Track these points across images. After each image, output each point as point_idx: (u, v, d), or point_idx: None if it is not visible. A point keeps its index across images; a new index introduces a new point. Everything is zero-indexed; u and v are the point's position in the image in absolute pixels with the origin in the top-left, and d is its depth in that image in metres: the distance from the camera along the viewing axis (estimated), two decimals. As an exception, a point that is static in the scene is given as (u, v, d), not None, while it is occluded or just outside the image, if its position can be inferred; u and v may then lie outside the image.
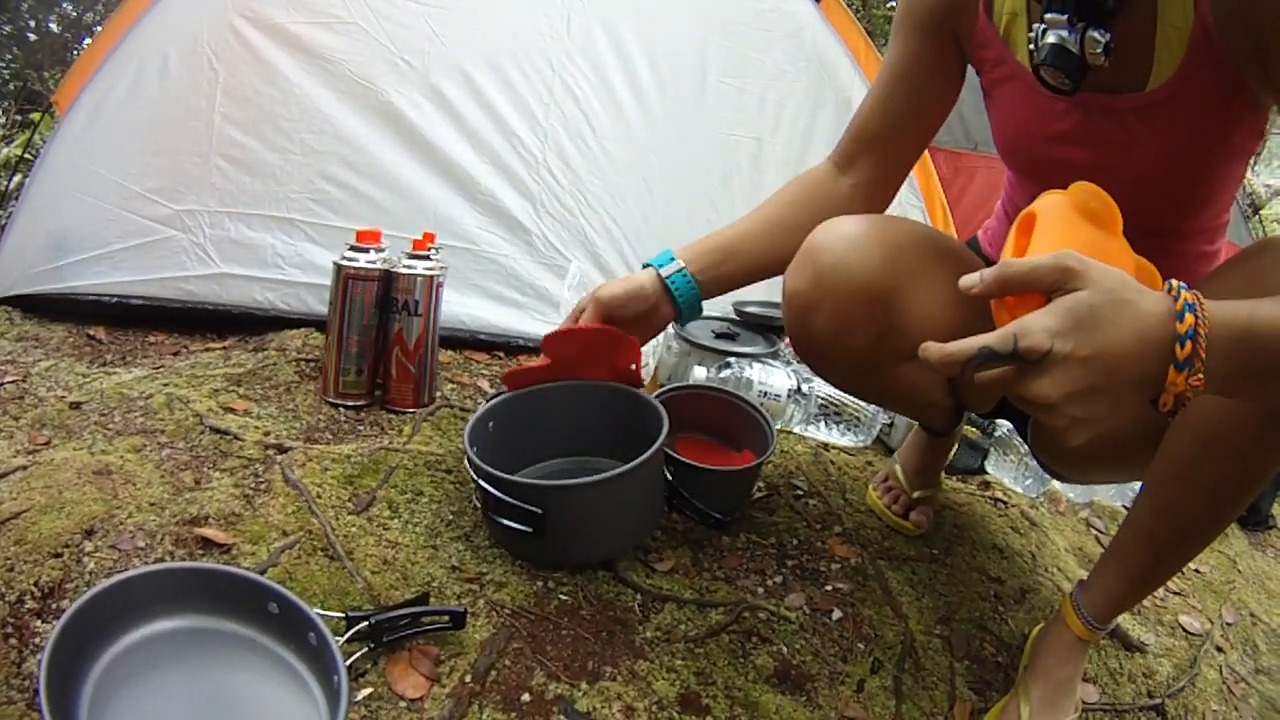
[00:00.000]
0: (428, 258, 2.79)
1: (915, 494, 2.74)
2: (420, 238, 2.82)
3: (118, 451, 2.31)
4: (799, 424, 3.22)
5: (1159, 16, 1.69)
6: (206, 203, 3.35)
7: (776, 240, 2.17)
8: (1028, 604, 2.60)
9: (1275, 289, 1.33)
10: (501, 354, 3.52)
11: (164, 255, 3.35)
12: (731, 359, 3.24)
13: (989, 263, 2.25)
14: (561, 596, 2.10)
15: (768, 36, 3.91)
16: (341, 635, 1.72)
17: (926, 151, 4.01)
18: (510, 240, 3.58)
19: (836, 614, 2.29)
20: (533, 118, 3.62)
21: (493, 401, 2.35)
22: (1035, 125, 1.98)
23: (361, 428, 2.68)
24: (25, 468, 2.17)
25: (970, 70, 2.12)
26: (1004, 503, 3.14)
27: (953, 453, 2.92)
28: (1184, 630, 2.78)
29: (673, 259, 2.16)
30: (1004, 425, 3.38)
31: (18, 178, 5.60)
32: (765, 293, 3.45)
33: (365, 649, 1.76)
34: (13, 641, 1.67)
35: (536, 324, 3.56)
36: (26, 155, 5.72)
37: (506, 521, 2.05)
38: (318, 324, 3.19)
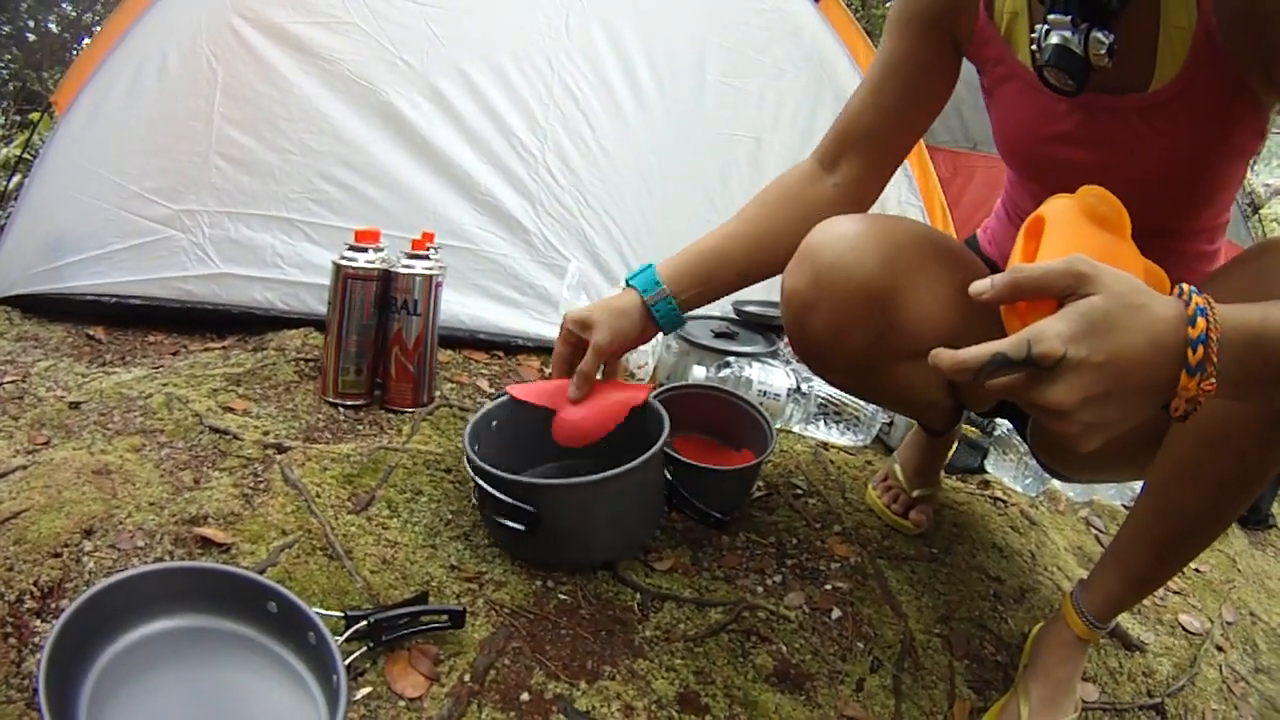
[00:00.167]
0: (427, 257, 2.79)
1: (915, 493, 2.74)
2: (419, 237, 2.82)
3: (117, 451, 2.30)
4: (798, 423, 3.23)
5: (1162, 17, 1.69)
6: (206, 203, 3.35)
7: (757, 252, 2.20)
8: (1027, 603, 2.60)
9: (1278, 292, 1.33)
10: (500, 353, 3.51)
11: (163, 255, 3.35)
12: (731, 358, 3.24)
13: (988, 262, 2.26)
14: (561, 596, 2.10)
15: (767, 36, 3.91)
16: (340, 634, 1.72)
17: (925, 151, 4.02)
18: (509, 240, 3.58)
19: (836, 613, 2.29)
20: (532, 117, 3.62)
21: (497, 402, 2.34)
22: (1037, 125, 1.97)
23: (361, 427, 2.67)
24: (25, 468, 2.17)
25: (969, 69, 2.12)
26: (1003, 502, 3.14)
27: (952, 452, 2.92)
28: (1184, 629, 2.78)
29: (658, 284, 2.16)
30: (1003, 425, 3.38)
31: (17, 178, 5.61)
32: (765, 292, 3.45)
33: (364, 648, 1.76)
34: (12, 641, 1.67)
35: (536, 323, 3.57)
36: (26, 155, 5.73)
37: (502, 520, 2.06)
38: (317, 324, 3.19)
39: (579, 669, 1.90)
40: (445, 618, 1.87)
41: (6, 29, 11.02)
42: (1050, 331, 1.18)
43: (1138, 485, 2.05)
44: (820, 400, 3.23)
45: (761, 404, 2.93)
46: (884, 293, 1.92)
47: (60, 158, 3.39)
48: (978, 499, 3.10)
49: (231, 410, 2.61)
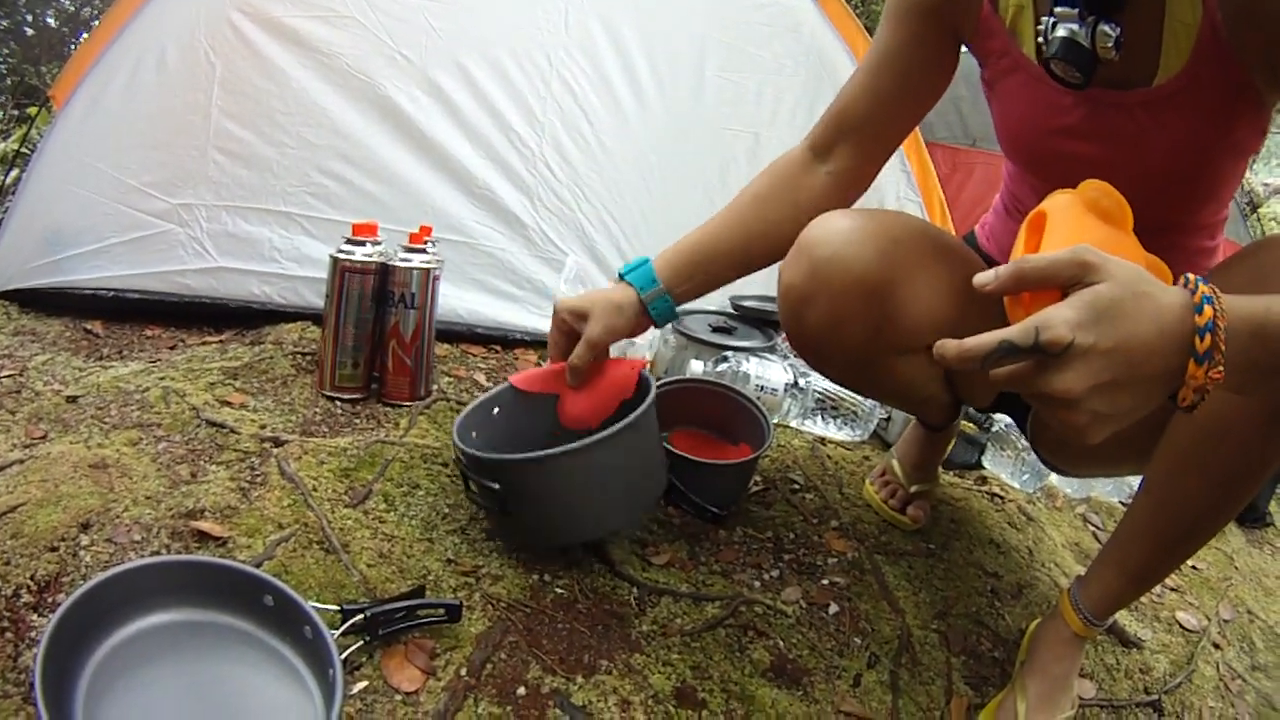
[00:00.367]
0: (424, 251, 2.78)
1: (912, 489, 2.75)
2: (417, 231, 2.81)
3: (114, 445, 2.30)
4: (796, 418, 3.23)
5: (1167, 12, 1.69)
6: (203, 196, 3.35)
7: (752, 243, 2.20)
8: (1024, 599, 2.60)
9: (1277, 288, 1.33)
10: (498, 347, 3.52)
11: (161, 249, 3.35)
12: (729, 353, 3.24)
13: (986, 258, 2.26)
14: (558, 590, 2.10)
15: (766, 31, 3.91)
16: (337, 628, 1.72)
17: (924, 147, 4.01)
18: (507, 234, 3.59)
19: (833, 608, 2.29)
20: (530, 112, 3.62)
21: (498, 389, 2.36)
22: (1041, 118, 1.97)
23: (358, 421, 2.67)
24: (21, 461, 2.17)
25: (969, 63, 2.12)
26: (1001, 498, 3.14)
27: (950, 447, 2.92)
28: (1181, 627, 2.78)
29: (655, 282, 2.18)
30: (1001, 421, 3.38)
31: (15, 172, 5.61)
32: (762, 286, 3.44)
33: (361, 642, 1.76)
34: (9, 635, 1.67)
35: (533, 317, 3.58)
36: (24, 150, 5.73)
37: (479, 501, 2.15)
38: (314, 317, 3.19)
39: (575, 663, 1.90)
40: (442, 611, 1.87)
41: (4, 23, 11.05)
42: (1058, 318, 1.17)
43: (1135, 481, 2.05)
44: (818, 395, 3.23)
45: (759, 399, 2.92)
46: (881, 287, 1.92)
47: (58, 152, 3.40)
48: (975, 495, 3.10)
49: (229, 404, 2.61)
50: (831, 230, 1.94)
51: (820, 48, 3.93)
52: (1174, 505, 1.90)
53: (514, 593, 2.05)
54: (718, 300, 3.61)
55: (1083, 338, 1.16)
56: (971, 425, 3.39)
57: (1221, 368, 1.21)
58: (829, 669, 2.10)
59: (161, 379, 2.69)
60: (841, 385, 2.79)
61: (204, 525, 2.00)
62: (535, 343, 3.54)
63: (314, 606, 1.67)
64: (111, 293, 3.35)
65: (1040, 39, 1.77)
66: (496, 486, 2.00)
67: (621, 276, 2.20)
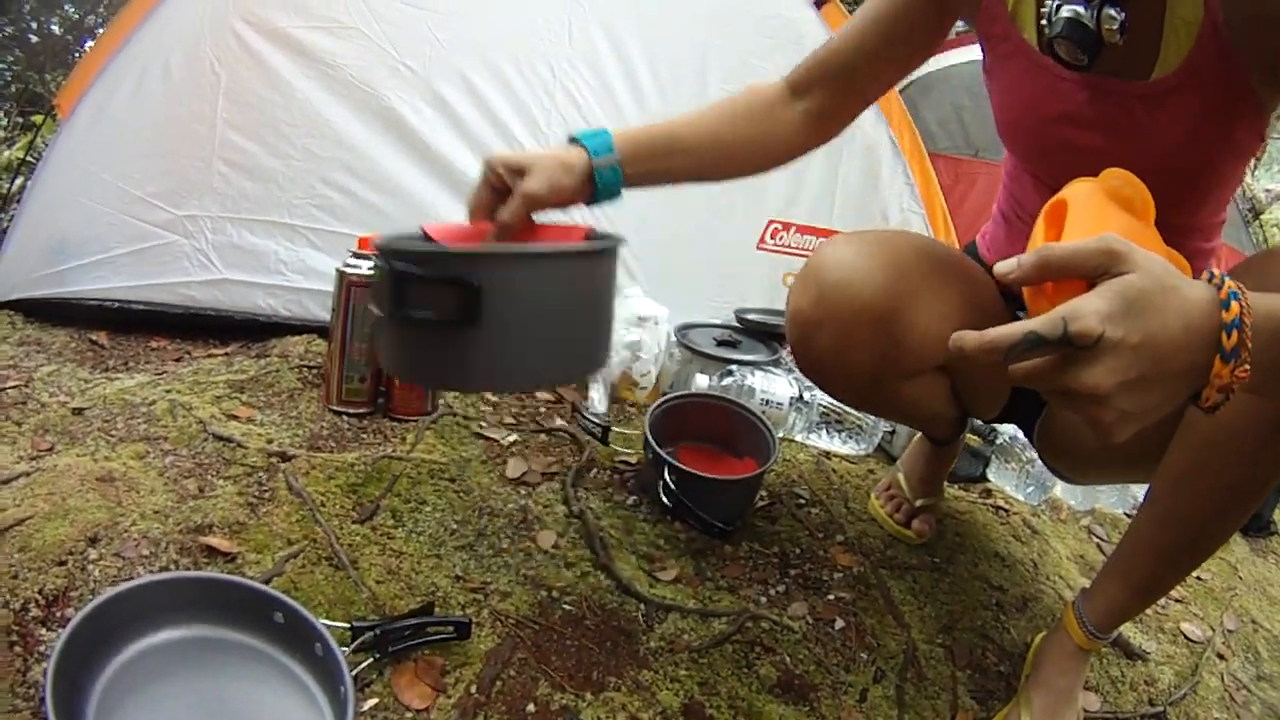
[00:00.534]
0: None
1: (918, 503, 2.75)
2: (421, 244, 2.79)
3: (121, 458, 2.30)
4: (801, 432, 3.23)
5: (1168, 8, 1.71)
6: (208, 208, 3.35)
7: (716, 150, 2.11)
8: (1029, 612, 2.60)
9: None
10: (503, 360, 3.48)
11: (166, 260, 3.35)
12: (734, 367, 3.24)
13: (988, 269, 2.26)
14: (566, 606, 2.11)
15: (769, 44, 3.89)
16: (347, 645, 1.73)
17: (927, 158, 4.02)
18: (511, 246, 3.54)
19: (839, 623, 2.30)
20: (534, 123, 3.62)
21: (407, 234, 1.98)
22: (1041, 104, 1.98)
23: (365, 436, 2.67)
24: (28, 474, 2.17)
25: (971, 72, 2.13)
26: (1006, 511, 3.15)
27: (955, 461, 2.92)
28: (1185, 637, 2.78)
29: (611, 150, 1.94)
30: (1005, 433, 3.38)
31: (19, 180, 5.62)
32: (766, 300, 3.45)
33: (371, 659, 1.77)
34: (18, 649, 1.67)
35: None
36: (29, 159, 5.73)
37: (423, 316, 1.62)
38: (320, 330, 3.19)
39: (584, 680, 1.90)
40: (451, 629, 1.88)
41: (9, 30, 11.04)
42: (1088, 309, 1.12)
43: (1140, 492, 2.06)
44: (823, 409, 3.24)
45: (764, 412, 2.94)
46: (888, 313, 1.93)
47: (63, 161, 3.39)
48: (980, 508, 3.10)
49: (235, 418, 2.61)
50: (839, 256, 1.95)
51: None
52: (1178, 518, 1.91)
53: (522, 609, 2.05)
54: (722, 314, 3.62)
55: (1113, 330, 1.11)
56: (976, 438, 3.40)
57: (1247, 366, 1.17)
58: (835, 684, 2.10)
59: (168, 392, 2.69)
60: (849, 406, 2.79)
61: (213, 541, 2.01)
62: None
63: (324, 624, 1.68)
64: (117, 304, 3.35)
65: (1044, 20, 1.80)
66: (478, 285, 1.56)
67: (574, 140, 1.96)
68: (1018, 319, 2.05)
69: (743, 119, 2.12)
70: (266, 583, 1.87)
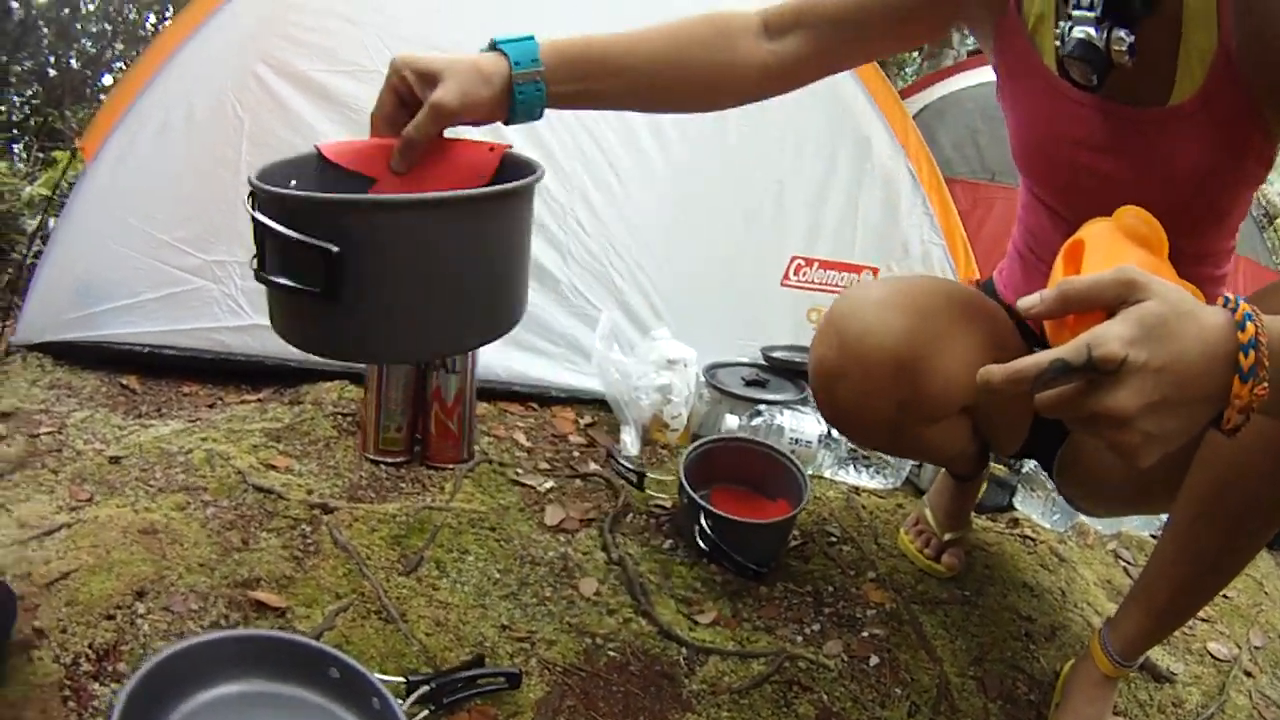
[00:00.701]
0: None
1: (946, 537, 2.77)
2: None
3: (162, 509, 2.33)
4: (829, 468, 3.25)
5: (1183, 36, 1.74)
6: (237, 253, 3.37)
7: (660, 74, 1.90)
8: (1058, 641, 2.62)
9: None
10: (535, 405, 3.51)
11: (195, 306, 3.38)
12: (762, 406, 3.26)
13: (1006, 307, 2.28)
14: (610, 653, 2.14)
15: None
16: (403, 699, 1.76)
17: (945, 187, 4.03)
18: (540, 290, 3.56)
19: (873, 660, 2.33)
20: (558, 166, 3.60)
21: (298, 156, 1.76)
22: (1057, 127, 2.00)
23: (403, 485, 2.69)
24: (69, 525, 2.19)
25: (984, 95, 2.13)
26: (1033, 540, 3.16)
27: (981, 493, 2.94)
28: (1212, 657, 2.79)
29: (536, 62, 1.73)
30: (1030, 462, 3.40)
31: (41, 217, 5.65)
32: (791, 336, 3.48)
33: (426, 712, 1.81)
34: (71, 705, 1.69)
35: (569, 373, 3.57)
36: (52, 196, 5.75)
37: (279, 279, 1.44)
38: (352, 377, 3.21)
39: (632, 725, 1.92)
40: (503, 679, 1.91)
41: (28, 64, 11.07)
42: (1110, 334, 1.15)
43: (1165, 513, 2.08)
44: (850, 445, 3.25)
45: (793, 451, 2.96)
46: (910, 361, 1.94)
47: (89, 204, 3.43)
48: (1007, 538, 3.12)
49: (274, 468, 2.64)
50: (860, 306, 1.97)
51: (838, 91, 3.91)
52: (1195, 548, 1.94)
53: (569, 657, 2.08)
54: (749, 352, 3.64)
55: (1135, 354, 1.14)
56: (1001, 467, 3.42)
57: (1266, 384, 1.19)
58: (872, 721, 2.13)
59: (204, 440, 2.72)
60: (873, 450, 2.81)
61: (261, 595, 2.04)
62: (572, 399, 3.53)
63: (379, 678, 1.71)
64: (147, 349, 3.36)
65: (1058, 41, 1.80)
66: (335, 249, 1.35)
67: (495, 45, 1.74)
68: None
69: (697, 45, 1.92)
70: (318, 637, 1.90)
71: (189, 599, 1.99)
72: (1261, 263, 5.79)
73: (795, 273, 3.95)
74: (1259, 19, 1.67)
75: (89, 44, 11.42)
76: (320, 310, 1.44)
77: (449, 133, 1.76)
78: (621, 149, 3.72)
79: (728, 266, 3.84)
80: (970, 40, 2.28)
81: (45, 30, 11.14)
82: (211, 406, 3.21)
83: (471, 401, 2.86)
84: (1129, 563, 3.31)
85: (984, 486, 2.95)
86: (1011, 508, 3.35)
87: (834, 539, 2.82)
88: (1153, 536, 3.43)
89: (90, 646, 1.81)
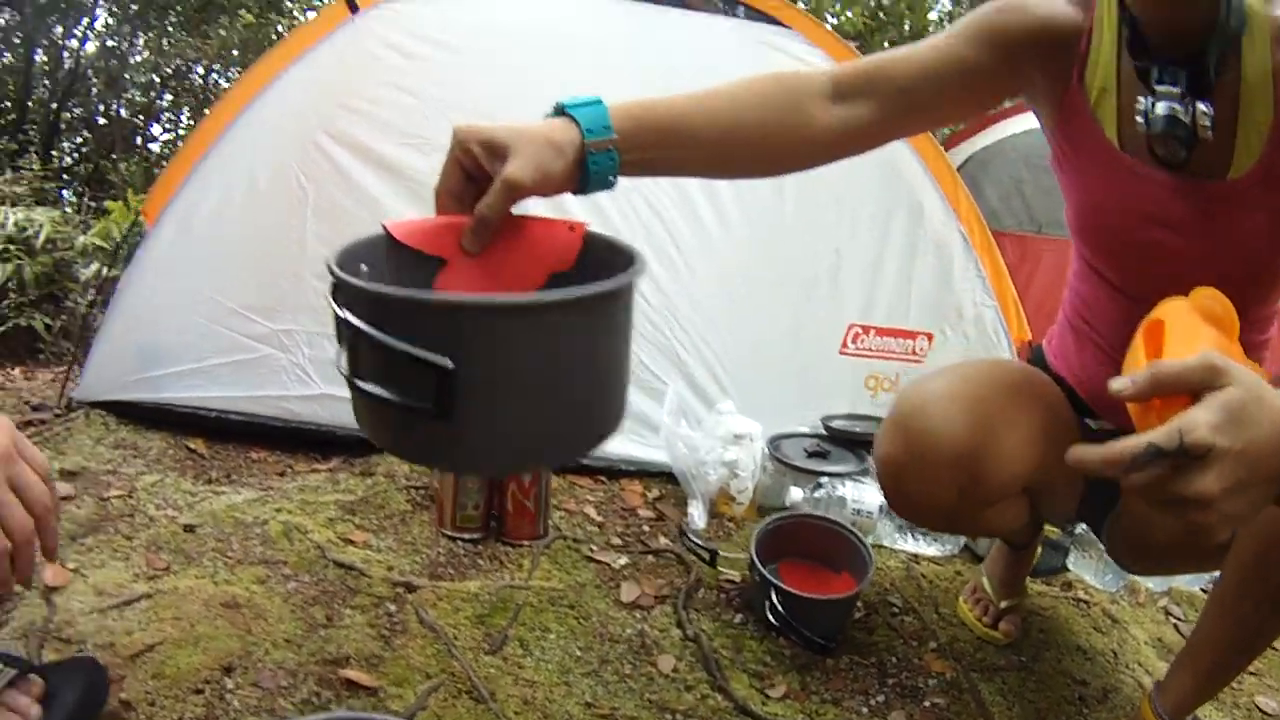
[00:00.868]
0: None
1: (1003, 604, 2.80)
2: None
3: (242, 582, 2.38)
4: (889, 536, 3.28)
5: (1241, 110, 1.78)
6: (304, 323, 3.43)
7: (733, 141, 1.80)
8: (1110, 703, 2.65)
9: None
10: (604, 478, 3.53)
11: (263, 373, 3.44)
12: (824, 479, 3.32)
13: (1056, 377, 2.32)
14: (691, 729, 2.18)
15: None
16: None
17: (996, 248, 4.05)
18: (607, 365, 3.56)
19: (936, 729, 2.36)
20: (620, 237, 3.53)
21: (366, 237, 1.55)
22: (1120, 201, 2.01)
23: (481, 562, 2.74)
24: (149, 595, 2.24)
25: (1029, 143, 2.12)
26: (1086, 602, 3.18)
27: (1036, 556, 2.98)
28: (1260, 711, 2.80)
29: (609, 130, 1.61)
30: (1081, 524, 3.42)
31: (94, 265, 5.71)
32: (850, 403, 3.52)
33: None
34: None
35: (638, 447, 3.58)
36: (116, 249, 5.83)
37: (377, 391, 1.23)
38: (424, 451, 3.20)
39: (716, 801, 1.97)
40: (592, 758, 1.95)
41: (78, 111, 11.17)
42: (1200, 421, 1.20)
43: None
44: (909, 516, 3.30)
45: (855, 521, 3.02)
46: (972, 453, 2.00)
47: (152, 268, 3.51)
48: (1062, 602, 3.15)
49: (352, 543, 2.69)
50: (925, 402, 2.04)
51: (892, 159, 3.94)
52: (1240, 613, 2.00)
53: (652, 733, 2.13)
54: (810, 422, 3.69)
55: (1221, 441, 1.19)
56: (1055, 530, 3.44)
57: None
58: (936, 791, 2.17)
59: (278, 511, 2.77)
60: (934, 531, 2.86)
61: (351, 674, 2.09)
62: (640, 472, 3.56)
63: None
64: (215, 413, 3.43)
65: (1141, 118, 1.81)
66: (449, 364, 1.16)
67: (563, 109, 1.63)
68: (1086, 426, 2.22)
69: (768, 110, 1.83)
70: (411, 718, 1.94)
71: (278, 675, 2.03)
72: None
73: (853, 340, 3.98)
74: None
75: (138, 94, 11.49)
76: (427, 424, 1.23)
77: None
78: (681, 220, 3.76)
79: (788, 336, 3.88)
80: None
81: (94, 79, 11.25)
82: (282, 474, 3.26)
83: (547, 479, 2.90)
84: (1179, 619, 3.33)
85: (1039, 552, 2.98)
86: (1066, 569, 3.38)
87: (896, 609, 2.86)
88: (1203, 591, 3.45)
89: (181, 721, 1.82)
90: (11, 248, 5.77)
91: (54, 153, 10.91)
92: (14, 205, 6.46)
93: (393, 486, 3.06)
